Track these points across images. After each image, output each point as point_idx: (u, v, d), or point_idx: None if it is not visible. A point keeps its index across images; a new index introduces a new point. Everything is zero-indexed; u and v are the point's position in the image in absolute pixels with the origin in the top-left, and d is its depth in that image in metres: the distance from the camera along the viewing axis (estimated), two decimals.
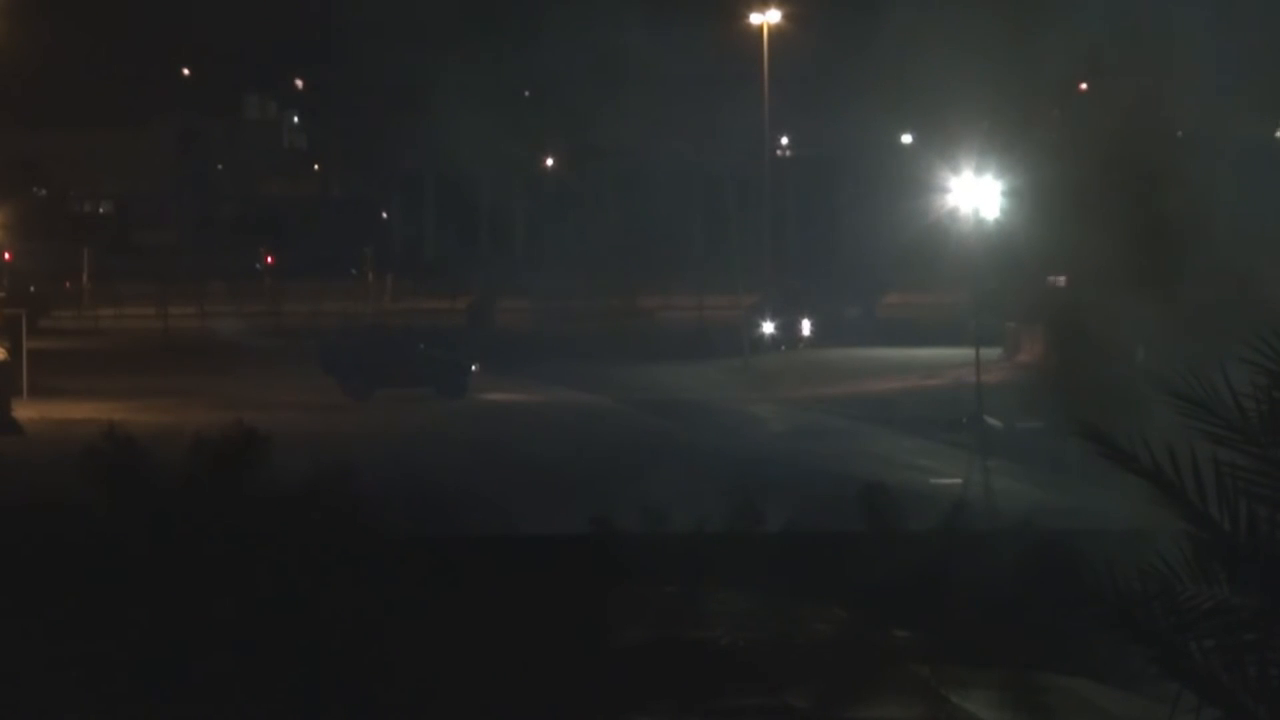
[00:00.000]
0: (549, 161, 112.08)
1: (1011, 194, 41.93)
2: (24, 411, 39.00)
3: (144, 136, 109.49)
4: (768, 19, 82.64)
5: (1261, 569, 6.09)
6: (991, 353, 47.57)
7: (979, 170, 39.43)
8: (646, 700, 7.71)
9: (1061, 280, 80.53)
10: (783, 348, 58.49)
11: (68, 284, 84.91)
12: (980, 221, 38.94)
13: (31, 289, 72.99)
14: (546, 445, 33.83)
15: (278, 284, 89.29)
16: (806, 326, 61.58)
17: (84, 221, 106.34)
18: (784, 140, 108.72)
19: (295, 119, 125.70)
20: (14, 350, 42.94)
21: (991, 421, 35.45)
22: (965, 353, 39.91)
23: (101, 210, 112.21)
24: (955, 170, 39.88)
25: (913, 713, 7.25)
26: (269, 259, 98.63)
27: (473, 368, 45.08)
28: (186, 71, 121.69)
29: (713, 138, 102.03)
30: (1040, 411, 36.94)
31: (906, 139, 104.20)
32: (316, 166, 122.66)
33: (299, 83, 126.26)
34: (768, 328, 59.36)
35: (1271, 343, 6.18)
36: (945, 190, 40.44)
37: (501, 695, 7.28)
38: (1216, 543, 6.18)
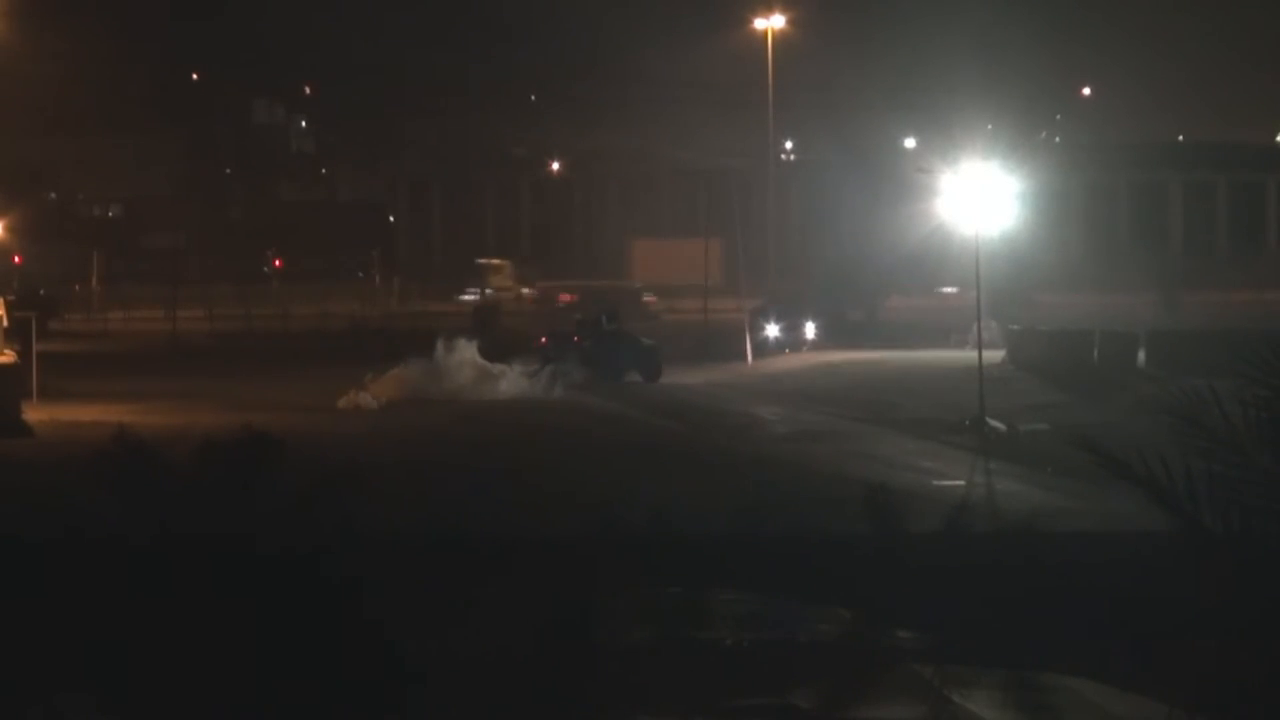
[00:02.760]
0: (554, 165, 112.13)
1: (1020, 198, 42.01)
2: (34, 414, 39.08)
3: (153, 140, 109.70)
4: (772, 24, 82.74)
5: (1257, 575, 6.17)
6: (995, 355, 47.63)
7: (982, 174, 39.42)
8: (652, 700, 7.79)
9: None
10: (786, 350, 58.55)
11: (77, 287, 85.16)
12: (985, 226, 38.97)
13: (41, 292, 73.24)
14: None
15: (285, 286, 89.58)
16: (810, 329, 61.64)
17: (93, 225, 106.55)
18: (788, 144, 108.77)
19: (303, 123, 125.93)
20: (24, 353, 43.03)
21: (994, 424, 35.53)
22: (967, 354, 39.99)
23: (111, 214, 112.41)
24: (957, 174, 39.87)
25: (916, 712, 7.32)
26: (277, 262, 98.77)
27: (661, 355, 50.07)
28: (195, 76, 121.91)
29: (717, 142, 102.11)
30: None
31: (910, 143, 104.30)
32: (324, 170, 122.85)
33: (307, 88, 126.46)
34: (772, 330, 59.42)
35: (1267, 356, 6.26)
36: (949, 194, 40.43)
37: (505, 696, 7.37)
38: (1211, 548, 6.26)
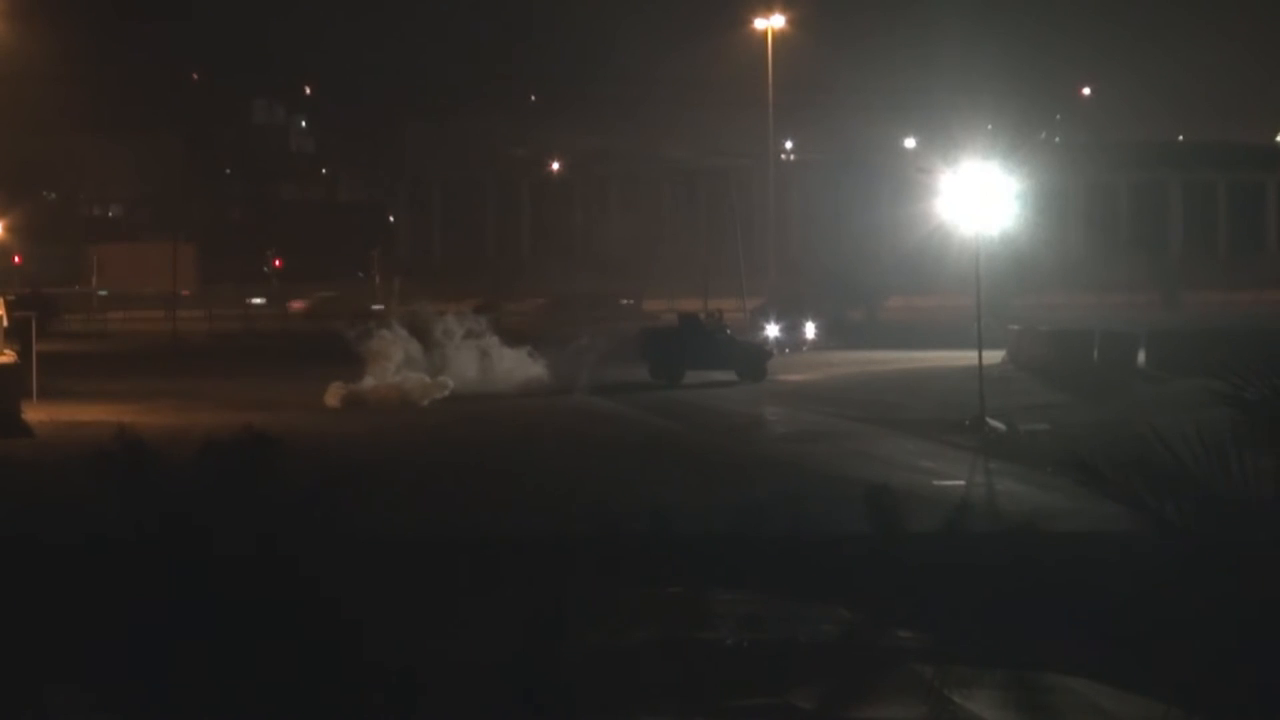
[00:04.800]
0: (554, 165, 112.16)
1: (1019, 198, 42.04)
2: (34, 414, 39.10)
3: (153, 141, 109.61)
4: (772, 24, 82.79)
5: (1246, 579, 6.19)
6: (995, 355, 47.62)
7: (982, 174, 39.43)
8: (652, 701, 7.80)
9: None
10: (787, 350, 58.58)
11: (76, 287, 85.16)
12: (984, 226, 38.97)
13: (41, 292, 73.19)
14: None
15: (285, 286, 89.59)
16: (811, 329, 61.66)
17: (93, 225, 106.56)
18: (788, 144, 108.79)
19: (303, 123, 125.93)
20: (24, 353, 43.06)
21: (994, 424, 35.53)
22: (968, 354, 39.98)
23: (111, 214, 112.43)
24: (957, 173, 39.88)
25: (916, 713, 7.32)
26: (277, 262, 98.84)
27: (771, 356, 50.20)
28: (195, 76, 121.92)
29: (717, 141, 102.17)
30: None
31: (909, 143, 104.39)
32: (324, 170, 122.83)
33: (307, 88, 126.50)
34: (772, 330, 59.46)
35: (1242, 373, 6.28)
36: (948, 194, 40.44)
37: (504, 696, 7.37)
38: (1198, 559, 6.29)
